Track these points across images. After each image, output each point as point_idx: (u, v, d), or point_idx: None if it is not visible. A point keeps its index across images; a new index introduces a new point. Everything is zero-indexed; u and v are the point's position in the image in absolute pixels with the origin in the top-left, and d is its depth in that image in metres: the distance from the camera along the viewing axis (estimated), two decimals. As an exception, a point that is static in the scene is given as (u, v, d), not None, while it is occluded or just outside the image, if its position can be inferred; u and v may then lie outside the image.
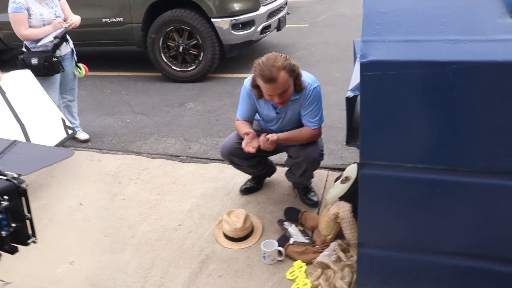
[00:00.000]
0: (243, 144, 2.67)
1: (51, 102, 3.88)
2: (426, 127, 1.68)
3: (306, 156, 2.80)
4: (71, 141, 4.38)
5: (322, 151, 2.87)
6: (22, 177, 3.10)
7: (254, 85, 2.69)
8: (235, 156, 2.95)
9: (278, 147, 2.88)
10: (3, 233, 1.06)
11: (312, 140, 2.81)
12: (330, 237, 2.60)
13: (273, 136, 2.65)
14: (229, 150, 2.95)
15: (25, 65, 3.84)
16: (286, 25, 7.18)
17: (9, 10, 3.76)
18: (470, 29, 1.57)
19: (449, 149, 1.69)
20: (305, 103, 2.73)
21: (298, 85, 2.66)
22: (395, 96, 1.65)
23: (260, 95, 2.73)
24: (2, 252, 1.13)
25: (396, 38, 1.62)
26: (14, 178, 1.09)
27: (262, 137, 2.65)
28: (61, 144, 3.78)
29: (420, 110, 1.65)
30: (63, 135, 3.83)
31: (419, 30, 1.63)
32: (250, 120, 2.93)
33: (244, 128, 2.81)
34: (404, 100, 1.65)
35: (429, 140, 1.70)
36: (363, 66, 1.61)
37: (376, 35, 1.65)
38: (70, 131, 3.91)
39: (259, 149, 2.66)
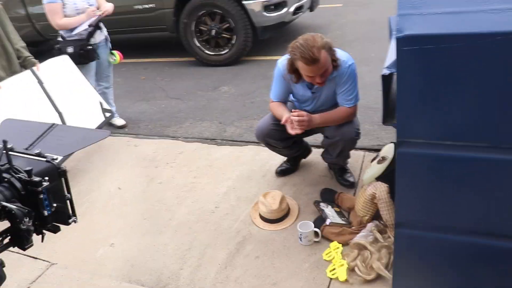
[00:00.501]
0: (289, 129, 2.65)
1: (89, 86, 3.96)
2: (467, 103, 1.62)
3: (343, 136, 2.76)
4: (108, 127, 4.47)
5: (359, 130, 2.84)
6: (63, 163, 3.20)
7: (292, 70, 2.65)
8: (271, 137, 2.95)
9: (313, 128, 2.86)
10: (46, 213, 1.09)
11: (347, 120, 2.78)
12: (367, 218, 2.57)
13: (304, 114, 2.64)
14: (264, 132, 2.94)
15: (61, 54, 3.92)
16: (319, 5, 7.08)
17: (44, 1, 3.83)
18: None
19: (490, 125, 1.63)
20: (340, 81, 2.70)
21: (334, 62, 2.63)
22: (434, 71, 1.60)
23: (297, 79, 2.69)
24: (45, 232, 1.16)
25: (434, 10, 1.57)
26: (53, 159, 1.11)
27: (295, 118, 2.64)
28: (99, 127, 3.86)
29: (460, 85, 1.60)
30: (101, 118, 3.91)
31: (458, 1, 1.57)
32: (285, 101, 2.91)
33: (281, 110, 2.81)
34: (443, 75, 1.59)
35: (469, 116, 1.65)
36: (400, 41, 1.57)
37: (413, 8, 1.60)
38: (108, 114, 3.98)
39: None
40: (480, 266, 1.95)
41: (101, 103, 3.97)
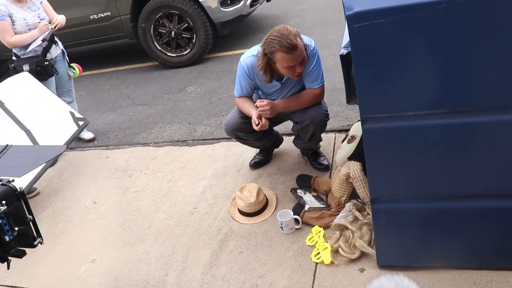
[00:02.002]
0: (255, 127, 2.66)
1: (56, 98, 3.85)
2: (422, 72, 1.64)
3: (312, 119, 2.76)
4: (76, 142, 4.39)
5: (327, 111, 2.84)
6: (34, 185, 3.10)
7: (266, 69, 2.61)
8: (240, 131, 2.93)
9: (281, 116, 2.85)
10: (7, 238, 1.05)
11: (317, 101, 2.77)
12: (344, 198, 2.58)
13: (265, 105, 2.66)
14: (233, 126, 2.93)
15: (17, 73, 3.81)
16: (276, -6, 7.06)
17: (-9, 19, 3.72)
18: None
19: (448, 91, 1.65)
20: (305, 64, 2.68)
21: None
22: (386, 44, 1.61)
23: (271, 78, 2.67)
24: (11, 258, 1.12)
25: (379, -15, 1.57)
26: (9, 181, 1.08)
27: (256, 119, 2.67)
28: (73, 138, 3.76)
29: (413, 55, 1.61)
30: (73, 128, 3.81)
31: (401, -27, 1.57)
32: (249, 96, 2.90)
33: (247, 105, 2.80)
34: (396, 47, 1.61)
35: (427, 85, 1.66)
36: (350, 19, 1.57)
37: (359, -15, 1.60)
38: (81, 122, 3.89)
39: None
40: (456, 228, 1.99)
41: (72, 113, 3.87)
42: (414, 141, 1.79)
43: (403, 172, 1.89)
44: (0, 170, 1.13)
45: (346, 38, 2.02)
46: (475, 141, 1.74)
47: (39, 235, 1.13)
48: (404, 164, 1.86)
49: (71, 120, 3.81)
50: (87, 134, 4.49)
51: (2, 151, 1.20)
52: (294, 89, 2.83)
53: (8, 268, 1.12)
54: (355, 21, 1.57)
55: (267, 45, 2.51)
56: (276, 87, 2.81)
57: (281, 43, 2.44)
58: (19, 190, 1.08)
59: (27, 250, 1.14)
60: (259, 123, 2.67)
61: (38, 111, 3.67)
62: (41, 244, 1.13)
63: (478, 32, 1.51)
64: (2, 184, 1.07)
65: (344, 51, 1.98)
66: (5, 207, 1.04)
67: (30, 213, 1.11)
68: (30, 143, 3.44)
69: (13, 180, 1.08)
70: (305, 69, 2.70)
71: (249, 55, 2.73)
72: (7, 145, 1.24)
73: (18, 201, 1.09)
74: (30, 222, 1.11)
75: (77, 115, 3.86)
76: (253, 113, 2.71)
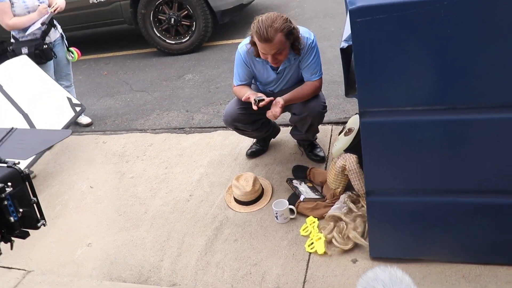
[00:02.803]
0: (253, 106, 2.65)
1: (54, 83, 3.85)
2: (422, 68, 1.66)
3: (311, 111, 2.79)
4: (74, 126, 4.40)
5: (325, 103, 2.87)
6: (31, 168, 3.12)
7: (252, 42, 2.65)
8: (239, 122, 2.95)
9: None
10: (12, 219, 1.08)
11: (315, 94, 2.80)
12: (339, 190, 2.62)
13: (278, 103, 2.66)
14: (232, 117, 2.94)
15: (16, 55, 3.80)
16: (277, -16, 7.05)
17: (-10, 1, 3.70)
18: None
19: (446, 88, 1.68)
20: (304, 56, 2.71)
21: (296, 48, 2.65)
22: (387, 40, 1.63)
23: (257, 53, 2.70)
24: (14, 238, 1.15)
25: (383, -19, 1.59)
26: (15, 164, 1.10)
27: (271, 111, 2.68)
28: (70, 123, 3.78)
29: (414, 51, 1.64)
30: (70, 114, 3.82)
31: (405, -31, 1.59)
32: (248, 84, 2.91)
33: (244, 91, 2.81)
34: (397, 43, 1.63)
35: (425, 81, 1.69)
36: (352, 13, 1.59)
37: (363, -19, 1.62)
38: (78, 108, 3.90)
39: (263, 112, 2.70)
40: (449, 222, 2.03)
41: (69, 98, 3.87)
42: (411, 136, 1.82)
43: (398, 166, 1.92)
44: (6, 152, 1.14)
45: (347, 31, 2.05)
46: (471, 138, 1.77)
47: (43, 217, 1.15)
48: (400, 158, 1.89)
49: (68, 106, 3.82)
50: (84, 119, 4.49)
51: (7, 134, 1.22)
52: (292, 81, 2.85)
53: (12, 248, 1.15)
54: (358, 15, 1.59)
55: (252, 23, 2.56)
56: (271, 76, 2.83)
57: (258, 29, 2.48)
58: (24, 173, 1.10)
59: (29, 231, 1.16)
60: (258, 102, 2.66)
61: (36, 96, 3.68)
62: (44, 226, 1.15)
63: (478, 31, 1.53)
64: (8, 166, 1.09)
65: (344, 45, 2.00)
66: (11, 188, 1.06)
67: (35, 195, 1.13)
68: (28, 127, 3.45)
69: (18, 163, 1.10)
70: (304, 61, 2.72)
71: (246, 42, 2.75)
72: (12, 128, 1.26)
73: (23, 183, 1.11)
74: (34, 204, 1.13)
75: (74, 101, 3.87)
76: (251, 96, 2.71)
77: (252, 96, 2.67)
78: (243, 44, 2.78)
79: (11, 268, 2.74)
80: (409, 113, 1.77)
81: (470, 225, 2.01)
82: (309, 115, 2.81)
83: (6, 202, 1.05)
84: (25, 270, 2.72)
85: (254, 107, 2.62)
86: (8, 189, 1.05)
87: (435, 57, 1.63)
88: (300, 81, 2.85)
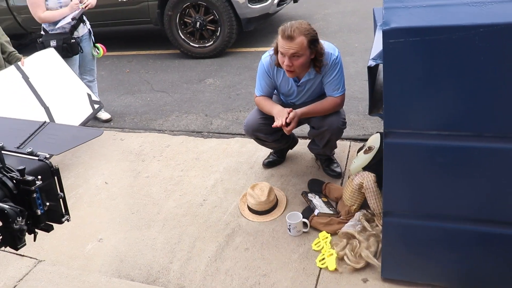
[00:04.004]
0: (285, 128, 2.71)
1: (76, 78, 3.92)
2: (451, 93, 1.66)
3: (330, 126, 2.79)
4: (93, 121, 4.44)
5: (345, 119, 2.87)
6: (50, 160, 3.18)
7: (275, 50, 2.70)
8: (260, 132, 2.96)
9: (299, 120, 2.88)
10: (39, 212, 1.09)
11: (336, 109, 2.81)
12: (354, 207, 2.61)
13: (292, 114, 2.69)
14: (253, 126, 2.95)
15: (44, 47, 3.88)
16: (303, -4, 7.08)
17: (26, -7, 3.78)
18: (496, -9, 1.53)
19: (474, 115, 1.67)
20: (327, 72, 2.72)
21: (317, 66, 2.68)
22: (419, 63, 1.63)
23: (278, 62, 2.71)
24: (38, 230, 1.16)
25: (419, 3, 1.60)
26: (46, 158, 1.11)
27: (283, 123, 2.70)
28: (88, 120, 3.83)
29: (444, 76, 1.63)
30: (89, 111, 3.88)
31: (442, -6, 1.59)
32: (270, 95, 2.93)
33: (269, 104, 2.85)
34: (428, 67, 1.63)
35: (453, 106, 1.68)
36: (386, 34, 1.59)
37: (398, 2, 1.62)
38: (96, 106, 3.95)
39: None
40: (469, 251, 2.00)
41: (89, 95, 3.94)
42: (433, 160, 1.81)
43: (418, 189, 1.91)
44: (37, 145, 1.16)
45: (375, 50, 2.04)
46: (495, 167, 1.75)
47: (67, 213, 1.17)
48: (421, 182, 1.88)
49: (87, 102, 3.88)
50: (104, 115, 4.54)
51: (40, 127, 1.24)
52: (314, 95, 2.86)
53: (35, 240, 1.17)
54: (391, 36, 1.59)
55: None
56: (292, 88, 2.84)
57: (284, 27, 2.56)
58: (54, 167, 1.12)
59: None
60: (286, 124, 2.70)
61: (58, 89, 3.75)
62: (68, 221, 1.17)
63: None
64: (39, 160, 1.11)
65: (372, 63, 2.00)
66: (40, 182, 1.07)
67: (62, 190, 1.15)
68: (48, 120, 3.50)
69: (50, 156, 1.11)
70: (327, 76, 2.74)
71: (271, 53, 2.78)
72: (45, 121, 1.28)
73: (52, 177, 1.13)
74: (61, 199, 1.14)
75: (94, 97, 3.93)
76: (275, 111, 2.76)
77: (279, 119, 2.70)
78: (267, 54, 2.81)
79: (23, 255, 2.77)
80: (434, 137, 1.76)
81: (487, 255, 1.99)
82: (327, 130, 2.81)
83: (35, 195, 1.07)
84: (36, 259, 2.75)
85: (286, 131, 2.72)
86: (38, 182, 1.07)
87: (465, 83, 1.62)
88: (323, 95, 2.85)
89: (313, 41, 2.58)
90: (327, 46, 2.73)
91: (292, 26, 2.53)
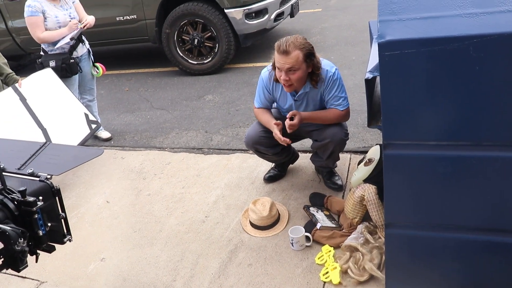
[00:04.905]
0: (279, 139, 2.72)
1: (73, 98, 3.94)
2: (448, 103, 1.66)
3: (332, 137, 2.81)
4: (93, 140, 4.46)
5: (347, 131, 2.91)
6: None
7: (273, 66, 2.72)
8: (261, 145, 2.97)
9: (301, 133, 2.90)
10: (41, 233, 1.09)
11: (338, 121, 2.84)
12: (356, 220, 2.60)
13: (295, 116, 2.71)
14: (254, 139, 2.97)
15: (44, 68, 3.90)
16: (300, 11, 7.14)
17: (25, 14, 3.81)
18: (488, 2, 1.54)
19: (472, 124, 1.67)
20: (326, 89, 2.74)
21: (314, 80, 2.70)
22: (415, 74, 1.63)
23: (276, 78, 2.74)
24: (39, 251, 1.16)
25: (413, 16, 1.61)
26: (47, 178, 1.12)
27: (287, 121, 2.70)
28: (85, 140, 3.84)
29: (441, 86, 1.64)
30: (86, 131, 3.88)
31: (436, 6, 1.61)
32: (268, 108, 2.95)
33: (266, 117, 2.87)
34: (425, 78, 1.63)
35: (451, 116, 1.69)
36: (381, 47, 1.60)
37: (392, 15, 1.64)
38: (93, 125, 3.97)
39: (288, 134, 2.74)
40: (472, 261, 1.99)
41: (86, 115, 3.95)
42: (434, 170, 1.81)
43: (420, 200, 1.90)
44: (39, 166, 1.17)
45: (372, 62, 2.06)
46: (495, 175, 1.76)
47: (69, 233, 1.17)
48: (422, 192, 1.88)
49: (85, 122, 3.90)
50: (104, 133, 4.55)
51: (40, 148, 1.25)
52: (311, 109, 2.87)
53: (36, 261, 1.16)
54: (386, 49, 1.60)
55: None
56: (289, 103, 2.87)
57: (279, 42, 2.59)
58: (55, 188, 1.12)
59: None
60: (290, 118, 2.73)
61: (55, 110, 3.77)
62: (70, 241, 1.17)
63: (506, 68, 1.53)
64: (40, 180, 1.11)
65: (369, 76, 2.02)
66: (42, 202, 1.08)
67: (63, 210, 1.15)
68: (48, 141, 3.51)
69: (51, 177, 1.12)
70: (327, 93, 2.76)
71: (269, 69, 2.81)
72: (46, 142, 1.29)
73: (53, 198, 1.13)
74: (62, 220, 1.15)
75: (91, 117, 3.95)
76: (274, 128, 2.75)
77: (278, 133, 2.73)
78: (266, 69, 2.85)
79: (25, 277, 2.75)
80: (433, 148, 1.76)
81: (491, 264, 1.98)
82: (331, 142, 2.83)
83: (36, 216, 1.07)
84: (38, 280, 2.73)
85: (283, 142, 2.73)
86: (39, 203, 1.07)
87: (462, 93, 1.63)
88: (322, 108, 2.87)
89: (309, 55, 2.61)
90: (325, 63, 2.76)
91: (288, 41, 2.56)
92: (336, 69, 2.76)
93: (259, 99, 2.95)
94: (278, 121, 2.77)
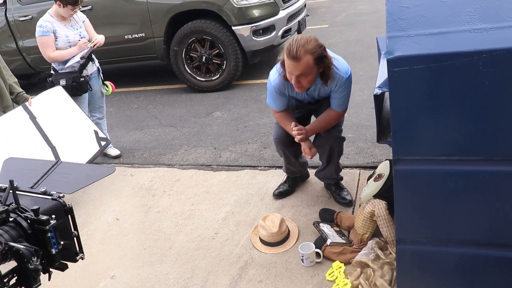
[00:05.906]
0: (308, 154, 2.86)
1: (83, 115, 3.97)
2: (458, 118, 1.66)
3: (327, 136, 2.87)
4: (102, 158, 4.48)
5: (341, 127, 2.98)
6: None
7: (282, 63, 2.62)
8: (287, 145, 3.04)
9: None
10: (53, 251, 1.10)
11: (337, 122, 2.91)
12: (367, 235, 2.58)
13: (302, 134, 2.77)
14: (282, 137, 3.02)
15: (54, 87, 3.95)
16: (307, 27, 7.18)
17: (36, 34, 3.87)
18: (497, 17, 1.55)
19: (482, 139, 1.67)
20: (336, 89, 2.72)
21: (325, 79, 2.64)
22: (424, 90, 1.64)
23: (285, 75, 2.66)
24: (52, 270, 1.17)
25: (421, 31, 1.62)
26: (59, 197, 1.13)
27: (296, 138, 2.79)
28: (95, 157, 3.86)
29: (450, 102, 1.64)
30: (95, 148, 3.91)
31: (444, 22, 1.62)
32: (286, 107, 2.94)
33: (286, 124, 2.89)
34: (434, 93, 1.64)
35: (461, 131, 1.68)
36: (390, 63, 1.61)
37: (401, 31, 1.65)
38: (103, 143, 3.99)
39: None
40: (484, 276, 1.97)
41: (96, 132, 3.98)
42: (444, 186, 1.80)
43: (430, 215, 1.89)
44: (51, 184, 1.18)
45: (380, 78, 2.06)
46: (506, 190, 1.75)
47: (81, 251, 1.17)
48: (433, 208, 1.87)
49: (94, 140, 3.92)
50: (113, 151, 4.57)
51: (52, 167, 1.26)
52: (323, 95, 2.87)
53: (49, 279, 1.17)
54: (395, 65, 1.61)
55: (286, 42, 2.60)
56: (303, 95, 2.87)
57: (289, 46, 2.46)
58: (67, 206, 1.13)
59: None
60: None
61: (65, 128, 3.80)
62: (82, 259, 1.17)
63: (516, 83, 1.53)
64: (52, 199, 1.12)
65: (378, 91, 2.02)
66: (55, 221, 1.09)
67: (76, 229, 1.16)
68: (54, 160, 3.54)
69: (63, 196, 1.13)
70: (335, 93, 2.76)
71: (276, 75, 2.77)
72: (58, 160, 1.30)
73: (66, 216, 1.14)
74: (75, 238, 1.15)
75: (101, 134, 3.97)
76: (302, 144, 2.88)
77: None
78: (275, 73, 2.78)
79: (35, 296, 2.75)
80: (444, 163, 1.76)
81: (502, 279, 1.95)
82: (327, 141, 2.90)
83: (49, 234, 1.08)
84: (49, 299, 2.73)
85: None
86: (52, 222, 1.08)
87: (472, 107, 1.63)
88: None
89: (320, 59, 2.51)
90: (339, 65, 2.69)
91: (298, 45, 2.42)
92: (349, 75, 2.72)
93: (274, 105, 2.90)
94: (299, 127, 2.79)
